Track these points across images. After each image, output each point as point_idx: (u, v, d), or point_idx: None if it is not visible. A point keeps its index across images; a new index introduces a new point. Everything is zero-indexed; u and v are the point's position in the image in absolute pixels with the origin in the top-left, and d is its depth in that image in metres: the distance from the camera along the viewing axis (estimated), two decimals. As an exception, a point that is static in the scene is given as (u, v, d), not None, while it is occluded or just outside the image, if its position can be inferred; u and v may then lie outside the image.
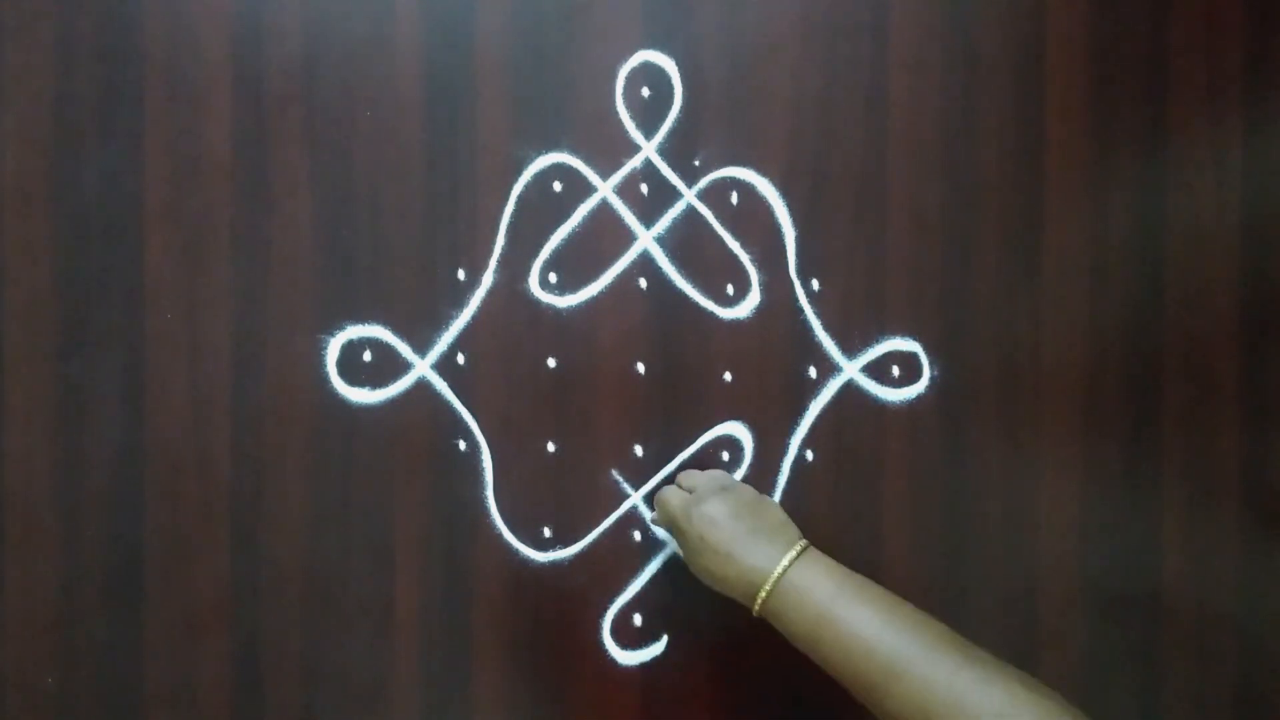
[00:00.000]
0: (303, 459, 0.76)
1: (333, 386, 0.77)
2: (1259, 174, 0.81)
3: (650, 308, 0.78)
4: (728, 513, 0.67)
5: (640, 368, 0.78)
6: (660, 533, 0.77)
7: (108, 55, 0.76)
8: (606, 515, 0.78)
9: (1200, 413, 0.81)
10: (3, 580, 0.75)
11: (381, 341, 0.77)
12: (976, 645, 0.60)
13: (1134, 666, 0.80)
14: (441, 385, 0.77)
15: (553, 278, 0.78)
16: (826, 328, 0.79)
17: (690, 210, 0.78)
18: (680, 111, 0.78)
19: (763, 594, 0.63)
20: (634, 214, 0.78)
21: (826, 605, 0.61)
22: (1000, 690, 0.56)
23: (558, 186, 0.78)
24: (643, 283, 0.78)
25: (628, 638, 0.78)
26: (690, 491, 0.71)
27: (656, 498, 0.73)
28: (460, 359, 0.77)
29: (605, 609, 0.78)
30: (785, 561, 0.63)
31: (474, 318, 0.77)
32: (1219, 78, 0.81)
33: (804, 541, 0.66)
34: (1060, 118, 0.80)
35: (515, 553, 0.78)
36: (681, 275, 0.79)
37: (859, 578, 0.64)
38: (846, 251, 0.79)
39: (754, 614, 0.65)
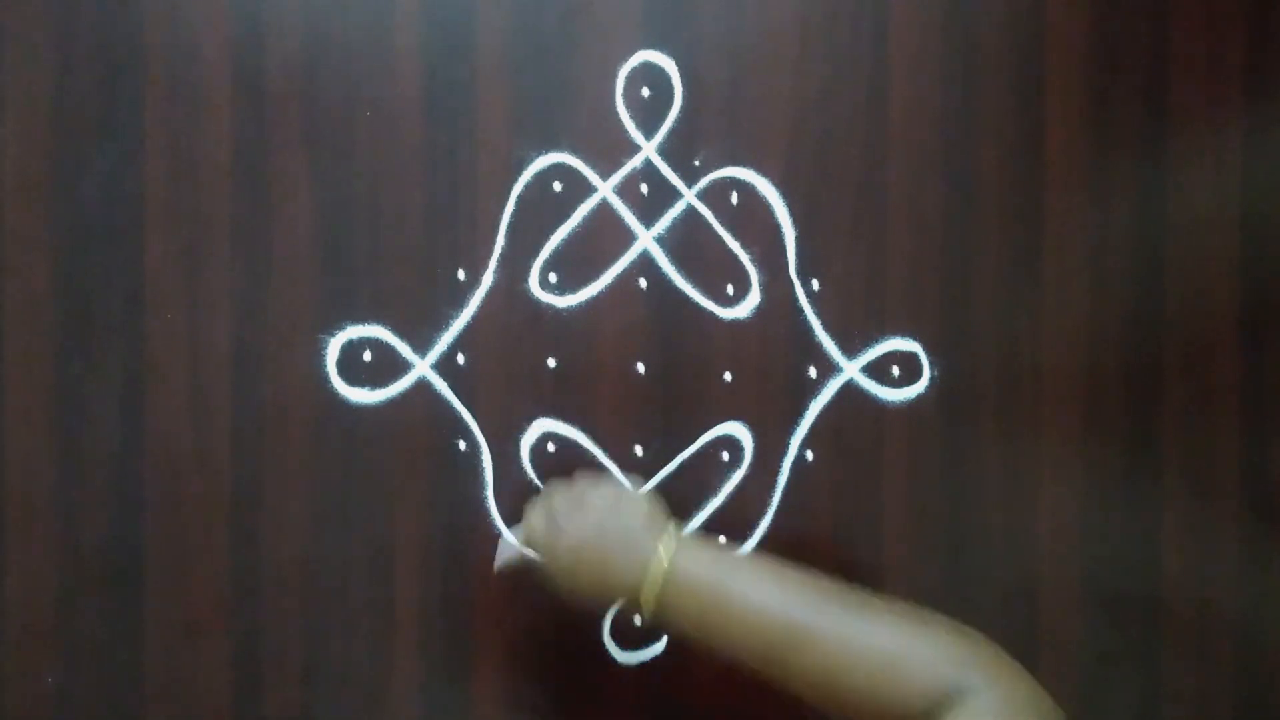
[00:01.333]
0: (303, 459, 0.76)
1: (333, 386, 0.77)
2: (1259, 174, 0.81)
3: (650, 308, 0.78)
4: (593, 531, 0.65)
5: (640, 368, 0.78)
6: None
7: (108, 55, 0.76)
8: (606, 515, 0.78)
9: (1200, 413, 0.81)
10: (3, 580, 0.75)
11: (381, 341, 0.77)
12: (862, 592, 0.60)
13: (1134, 666, 0.80)
14: (441, 385, 0.77)
15: (553, 278, 0.78)
16: (826, 328, 0.79)
17: (690, 210, 0.78)
18: (680, 111, 0.78)
19: (648, 603, 0.62)
20: (634, 214, 0.78)
21: (712, 590, 0.60)
22: (890, 628, 0.56)
23: (558, 186, 0.78)
24: (643, 283, 0.78)
25: (628, 638, 0.78)
26: (550, 510, 0.68)
27: (524, 522, 0.70)
28: (460, 359, 0.77)
29: (605, 609, 0.78)
30: (663, 563, 0.61)
31: (474, 318, 0.77)
32: (1219, 78, 0.81)
33: (672, 527, 0.64)
34: (1060, 118, 0.80)
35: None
36: (681, 275, 0.79)
37: (735, 554, 0.64)
38: (846, 251, 0.79)
39: (645, 615, 0.63)
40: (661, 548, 0.62)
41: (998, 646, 0.56)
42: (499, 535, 0.76)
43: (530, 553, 0.69)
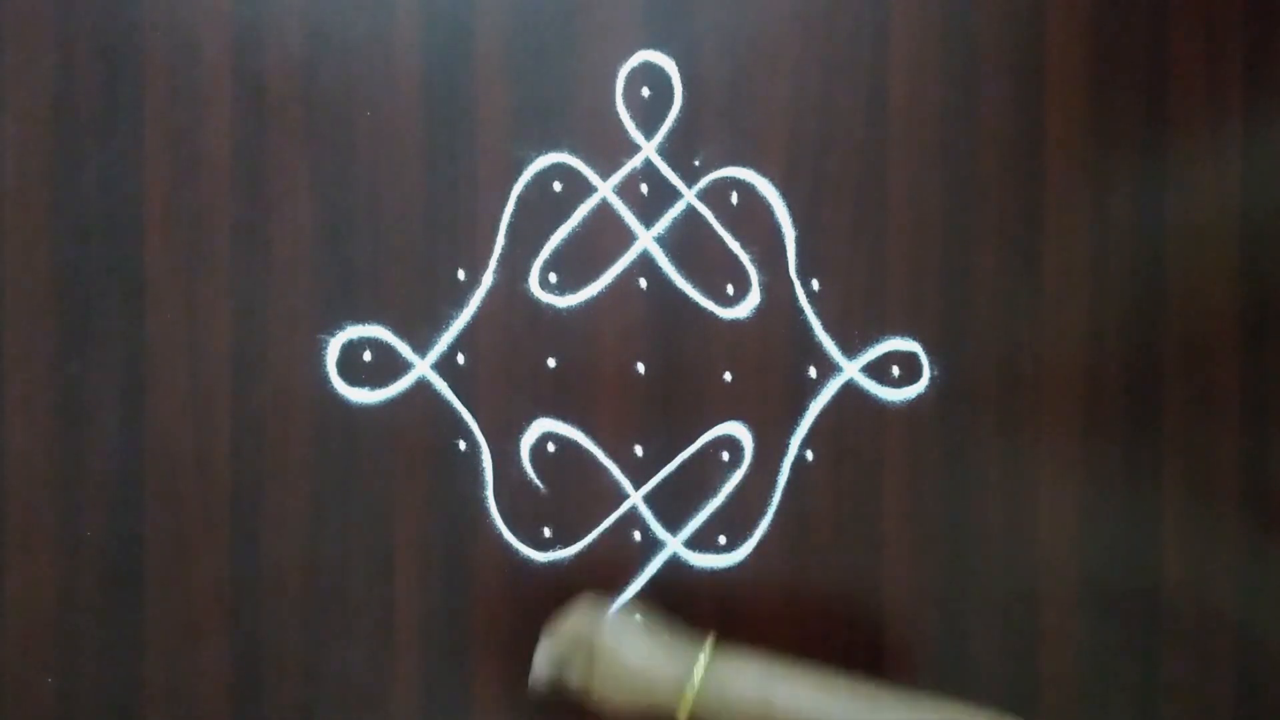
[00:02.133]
0: (303, 459, 0.76)
1: (333, 386, 0.77)
2: (1259, 174, 0.81)
3: (650, 308, 0.78)
4: (636, 626, 0.67)
5: (640, 368, 0.78)
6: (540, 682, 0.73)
7: (108, 55, 0.76)
8: (606, 515, 0.78)
9: (1200, 413, 0.80)
10: (3, 580, 0.75)
11: (381, 341, 0.77)
12: (898, 689, 0.61)
13: (1134, 666, 0.80)
14: (441, 385, 0.77)
15: (553, 278, 0.78)
16: (826, 328, 0.79)
17: (690, 210, 0.78)
18: (680, 111, 0.78)
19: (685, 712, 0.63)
20: (634, 214, 0.78)
21: (756, 700, 0.61)
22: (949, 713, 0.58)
23: (558, 186, 0.78)
24: (643, 283, 0.78)
25: (628, 638, 0.78)
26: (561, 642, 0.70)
27: (545, 643, 0.71)
28: (460, 359, 0.77)
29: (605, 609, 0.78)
30: (698, 675, 0.63)
31: (474, 318, 0.77)
32: (1219, 78, 0.81)
33: (706, 645, 0.65)
34: (1060, 118, 0.80)
35: (515, 553, 0.78)
36: (681, 275, 0.79)
37: (772, 663, 0.64)
38: (846, 251, 0.79)
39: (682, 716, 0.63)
40: (692, 682, 0.63)
41: None
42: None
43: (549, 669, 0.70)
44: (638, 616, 0.69)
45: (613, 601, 0.74)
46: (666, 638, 0.67)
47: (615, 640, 0.66)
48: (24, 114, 0.75)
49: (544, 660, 0.70)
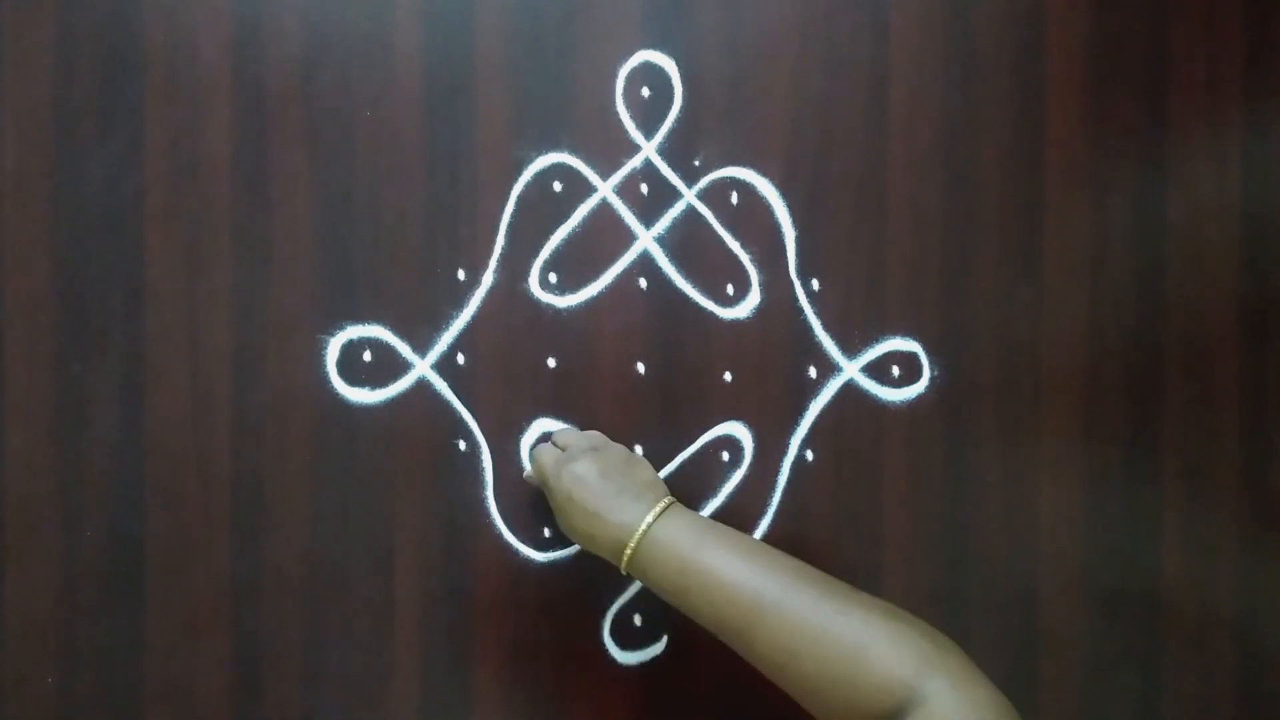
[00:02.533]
0: (303, 459, 0.76)
1: (333, 386, 0.77)
2: (1259, 174, 0.81)
3: (650, 308, 0.78)
4: (596, 472, 0.68)
5: (640, 368, 0.78)
6: (528, 477, 0.77)
7: (108, 55, 0.76)
8: (606, 515, 0.78)
9: (1200, 413, 0.81)
10: (3, 580, 0.75)
11: (381, 341, 0.77)
12: (837, 579, 0.61)
13: (1134, 666, 0.80)
14: (441, 385, 0.77)
15: (553, 278, 0.78)
16: (826, 328, 0.79)
17: (690, 210, 0.78)
18: (680, 111, 0.78)
19: (628, 550, 0.64)
20: (634, 214, 0.78)
21: (689, 554, 0.62)
22: (858, 618, 0.57)
23: (558, 186, 0.78)
24: (643, 283, 0.78)
25: (628, 638, 0.78)
26: (563, 450, 0.72)
27: (532, 453, 0.74)
28: (460, 359, 0.77)
29: (605, 609, 0.78)
30: (650, 517, 0.64)
31: (474, 318, 0.77)
32: (1219, 78, 0.81)
33: (669, 499, 0.67)
34: (1060, 118, 0.80)
35: (515, 553, 0.78)
36: (681, 275, 0.79)
37: (722, 527, 0.64)
38: (846, 251, 0.79)
39: (622, 570, 0.65)
40: (650, 514, 0.65)
41: (966, 654, 0.56)
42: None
43: (536, 476, 0.73)
44: (596, 467, 0.68)
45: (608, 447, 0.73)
46: (633, 485, 0.68)
47: (570, 485, 0.67)
48: (24, 114, 0.75)
49: (532, 472, 0.74)
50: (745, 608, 0.59)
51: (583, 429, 0.78)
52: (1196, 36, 0.81)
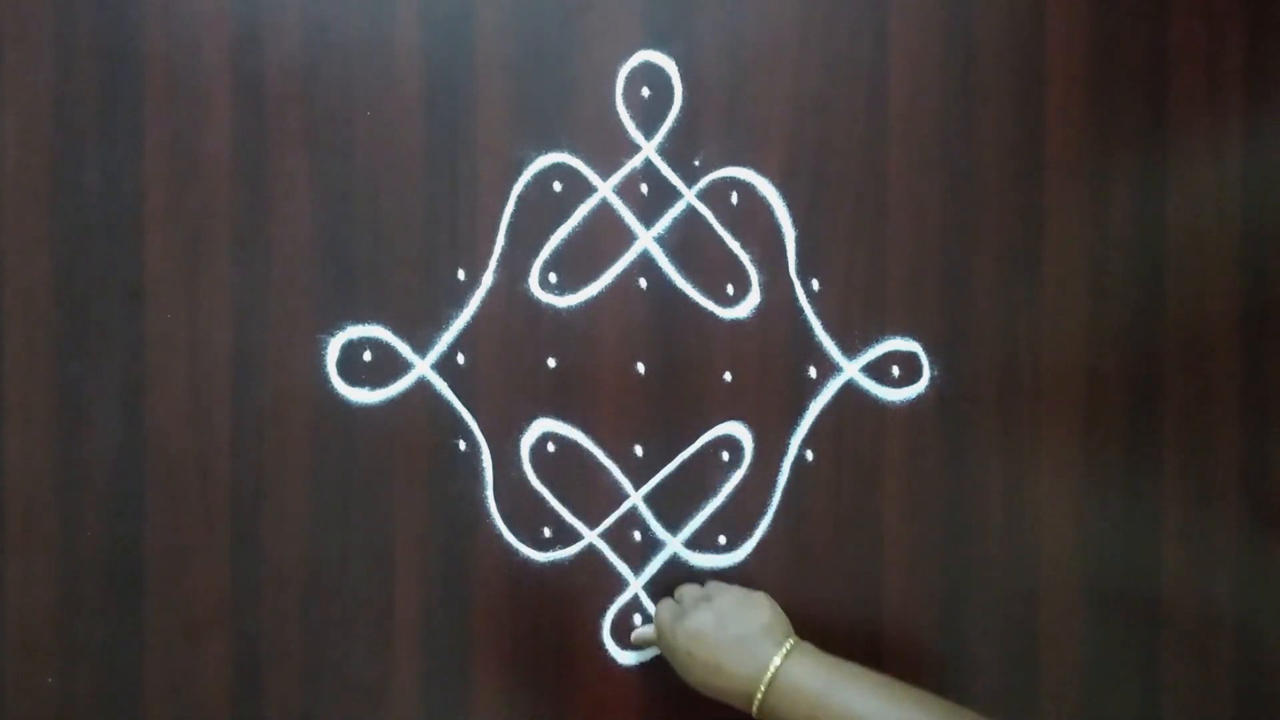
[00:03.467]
0: (303, 459, 0.76)
1: (333, 386, 0.77)
2: (1259, 174, 0.81)
3: (650, 308, 0.78)
4: (712, 623, 0.68)
5: (640, 368, 0.78)
6: (645, 651, 0.78)
7: (108, 55, 0.76)
8: (606, 515, 0.78)
9: (1200, 413, 0.81)
10: (3, 580, 0.75)
11: (381, 341, 0.77)
12: (967, 710, 0.62)
13: (1134, 667, 0.80)
14: (441, 385, 0.77)
15: (553, 278, 0.78)
16: (826, 328, 0.79)
17: (690, 210, 0.78)
18: (680, 111, 0.78)
19: (758, 696, 0.64)
20: (634, 214, 0.78)
21: (820, 694, 0.63)
22: None
23: (558, 186, 0.78)
24: (643, 283, 0.78)
25: (627, 638, 0.78)
26: (678, 603, 0.73)
27: (655, 612, 0.73)
28: (460, 359, 0.77)
29: (605, 609, 0.78)
30: (778, 660, 0.65)
31: (474, 318, 0.77)
32: (1219, 78, 0.81)
33: (793, 639, 0.67)
34: (1060, 118, 0.80)
35: (515, 553, 0.78)
36: (681, 275, 0.79)
37: (849, 665, 0.65)
38: (846, 251, 0.79)
39: (754, 718, 0.66)
40: (773, 662, 0.65)
41: None
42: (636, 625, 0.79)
43: (653, 638, 0.74)
44: (711, 619, 0.68)
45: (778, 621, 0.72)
46: (752, 631, 0.68)
47: (688, 643, 0.68)
48: (24, 114, 0.75)
49: (640, 637, 0.76)
50: None
51: (583, 429, 0.78)
52: (1196, 36, 0.81)
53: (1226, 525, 0.81)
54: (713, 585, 0.74)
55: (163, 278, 0.76)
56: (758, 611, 0.69)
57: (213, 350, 0.76)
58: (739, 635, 0.67)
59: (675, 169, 0.78)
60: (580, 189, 0.78)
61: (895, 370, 0.79)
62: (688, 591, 0.73)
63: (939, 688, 0.80)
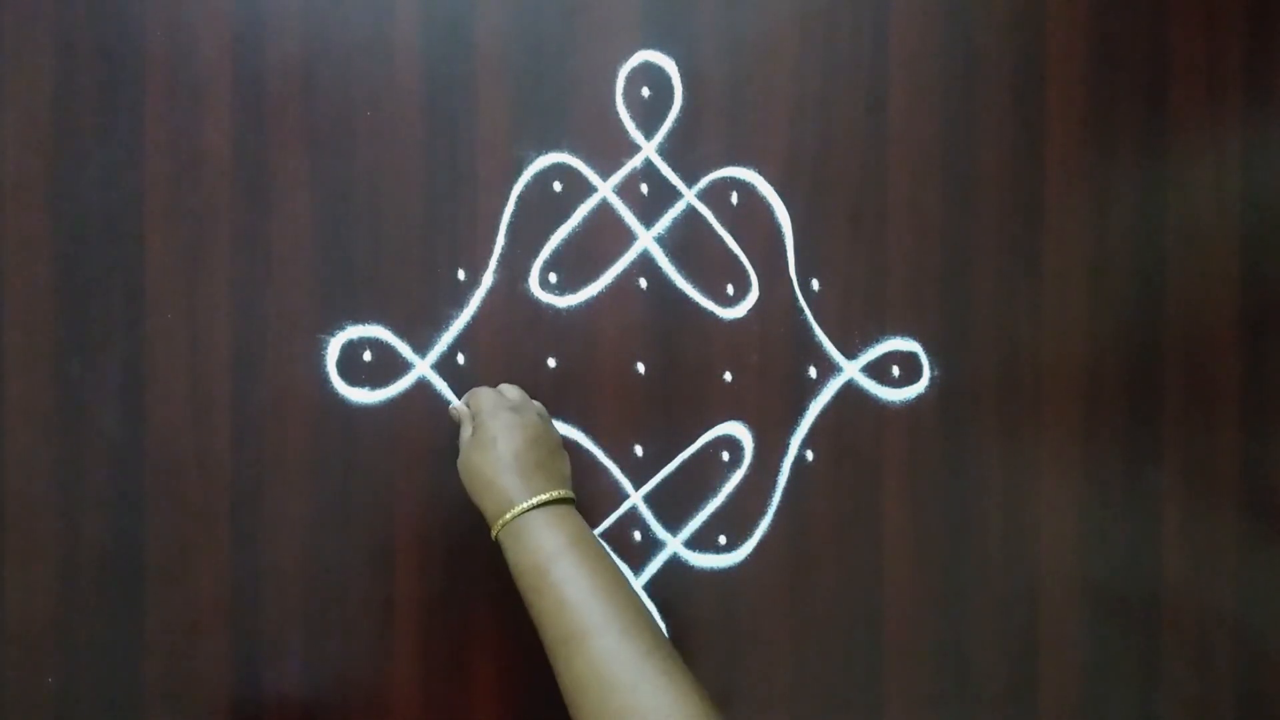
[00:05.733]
0: (303, 459, 0.76)
1: (333, 386, 0.77)
2: (1259, 174, 0.81)
3: (650, 308, 0.78)
4: (532, 436, 0.67)
5: (640, 368, 0.78)
6: (454, 409, 0.74)
7: (108, 55, 0.76)
8: (606, 515, 0.78)
9: (1200, 413, 0.81)
10: (3, 580, 0.75)
11: (381, 341, 0.77)
12: (668, 642, 0.59)
13: (1134, 667, 0.80)
14: (441, 385, 0.77)
15: (553, 278, 0.78)
16: (826, 328, 0.79)
17: (690, 210, 0.78)
18: (680, 111, 0.78)
19: (501, 521, 0.63)
20: (634, 214, 0.78)
21: (549, 555, 0.61)
22: (677, 689, 0.55)
23: (558, 186, 0.78)
24: (643, 283, 0.78)
25: (628, 638, 0.78)
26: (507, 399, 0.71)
27: (474, 390, 0.72)
28: (460, 359, 0.77)
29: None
30: (534, 501, 0.63)
31: (474, 318, 0.77)
32: (1219, 78, 0.81)
33: (567, 495, 0.65)
34: (1060, 118, 0.80)
35: (515, 553, 0.78)
36: (681, 275, 0.79)
37: (595, 546, 0.63)
38: (846, 251, 0.79)
39: (492, 536, 0.64)
40: (536, 498, 0.63)
41: None
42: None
43: (462, 411, 0.72)
44: (533, 433, 0.67)
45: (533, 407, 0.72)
46: (548, 467, 0.66)
47: (503, 430, 0.66)
48: (24, 114, 0.75)
49: (462, 404, 0.73)
50: (578, 626, 0.58)
51: (583, 429, 0.78)
52: (1196, 36, 0.81)
53: (1226, 525, 0.81)
54: (542, 406, 0.73)
55: (163, 278, 0.76)
56: (564, 463, 0.69)
57: (213, 350, 0.76)
58: (540, 461, 0.66)
59: (675, 169, 0.78)
60: (580, 189, 0.78)
61: (895, 370, 0.79)
62: (518, 396, 0.72)
63: (939, 687, 0.80)
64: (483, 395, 0.71)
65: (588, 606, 0.59)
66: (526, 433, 0.67)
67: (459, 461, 0.68)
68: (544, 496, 0.64)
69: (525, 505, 0.63)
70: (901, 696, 0.79)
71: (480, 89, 0.77)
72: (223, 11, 0.76)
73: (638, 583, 0.78)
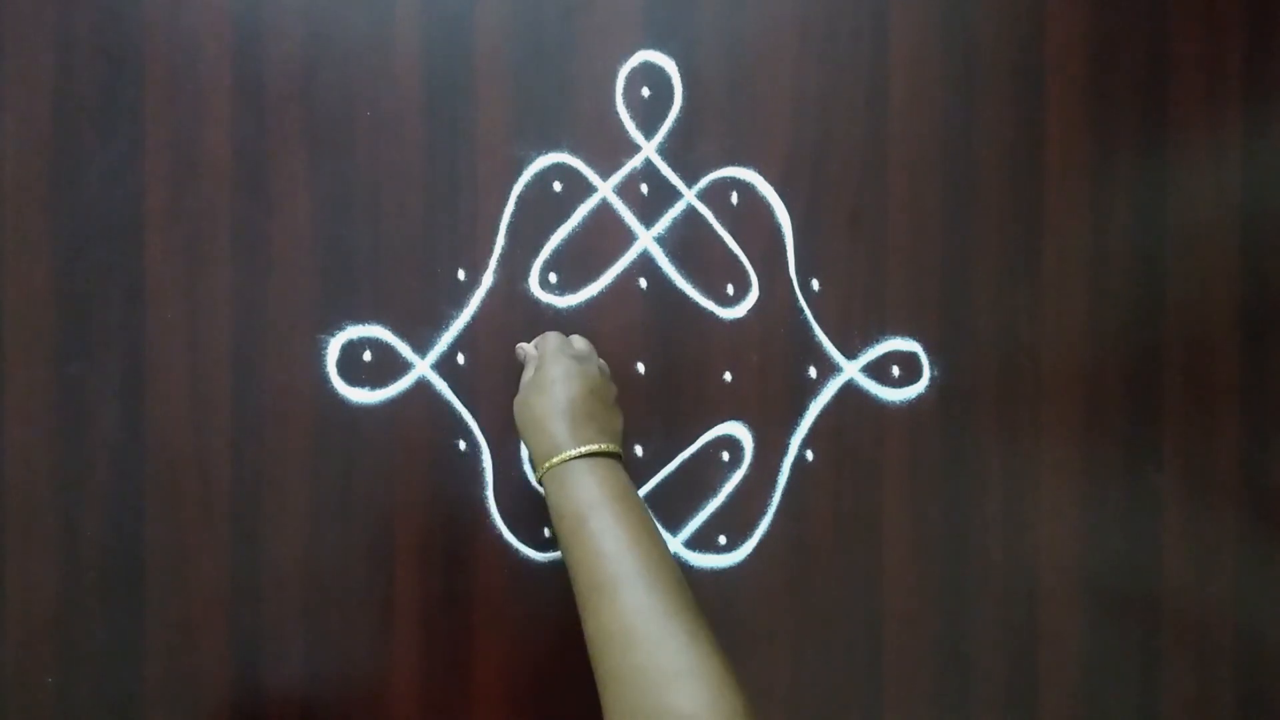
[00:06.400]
0: (303, 459, 0.76)
1: (333, 386, 0.77)
2: (1259, 174, 0.81)
3: (650, 308, 0.78)
4: (591, 386, 0.67)
5: (640, 368, 0.78)
6: (521, 349, 0.75)
7: (108, 55, 0.76)
8: (606, 515, 0.78)
9: (1200, 413, 0.81)
10: (3, 580, 0.76)
11: (381, 341, 0.77)
12: (698, 605, 0.58)
13: (1134, 667, 0.80)
14: (441, 385, 0.77)
15: (553, 278, 0.78)
16: (826, 328, 0.79)
17: (690, 210, 0.78)
18: (680, 111, 0.78)
19: (547, 464, 0.63)
20: (634, 214, 0.78)
21: (589, 504, 0.61)
22: (699, 651, 0.54)
23: (558, 186, 0.78)
24: (643, 283, 0.78)
25: (628, 638, 0.78)
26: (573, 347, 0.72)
27: (544, 334, 0.72)
28: (460, 359, 0.77)
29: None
30: (581, 450, 0.63)
31: (474, 318, 0.77)
32: (1219, 78, 0.81)
33: (615, 449, 0.65)
34: (1060, 118, 0.80)
35: (515, 553, 0.78)
36: (681, 275, 0.79)
37: (636, 502, 0.62)
38: (846, 251, 0.79)
39: (536, 477, 0.65)
40: (587, 447, 0.63)
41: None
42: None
43: (529, 351, 0.72)
44: (595, 383, 0.67)
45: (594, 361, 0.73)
46: (603, 419, 0.66)
47: (565, 374, 0.66)
48: (24, 114, 0.75)
49: (529, 349, 0.73)
50: (610, 577, 0.58)
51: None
52: (1196, 36, 0.81)
53: (1226, 525, 0.81)
54: (601, 367, 0.73)
55: (163, 278, 0.76)
56: (619, 419, 0.69)
57: (213, 350, 0.76)
58: (594, 412, 0.66)
59: (675, 169, 0.78)
60: (580, 189, 0.78)
61: (895, 370, 0.79)
62: (585, 347, 0.73)
63: (939, 688, 0.80)
64: (550, 340, 0.71)
65: (620, 559, 0.58)
66: (585, 383, 0.67)
67: (515, 400, 0.68)
68: (591, 447, 0.63)
69: (572, 453, 0.63)
70: (901, 696, 0.79)
71: (480, 89, 0.77)
72: (223, 12, 0.76)
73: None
